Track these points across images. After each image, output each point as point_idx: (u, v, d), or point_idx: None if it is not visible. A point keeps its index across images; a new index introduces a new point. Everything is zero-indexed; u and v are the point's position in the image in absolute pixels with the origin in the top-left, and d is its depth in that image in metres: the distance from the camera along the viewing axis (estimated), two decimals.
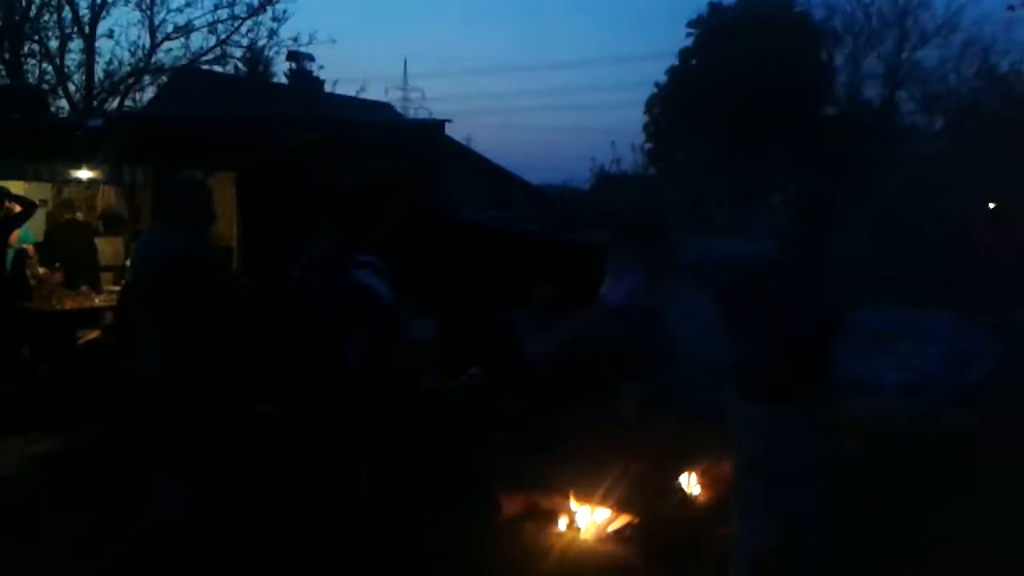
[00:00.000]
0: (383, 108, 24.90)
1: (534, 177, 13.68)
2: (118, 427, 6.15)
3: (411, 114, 26.56)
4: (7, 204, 7.70)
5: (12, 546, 4.75)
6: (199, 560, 4.32)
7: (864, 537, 5.21)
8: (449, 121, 9.16)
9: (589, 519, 5.04)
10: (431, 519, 5.12)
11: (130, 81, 14.87)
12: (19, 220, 7.85)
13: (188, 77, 18.20)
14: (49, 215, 9.06)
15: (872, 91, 22.17)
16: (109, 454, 5.96)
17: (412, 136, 8.79)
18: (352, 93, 24.06)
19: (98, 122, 7.95)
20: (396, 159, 8.13)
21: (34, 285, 8.16)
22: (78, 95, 14.21)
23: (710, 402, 5.45)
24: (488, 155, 13.04)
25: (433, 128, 9.06)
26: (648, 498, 5.01)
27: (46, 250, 8.53)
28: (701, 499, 5.40)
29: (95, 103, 13.64)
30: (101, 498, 5.27)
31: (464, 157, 11.04)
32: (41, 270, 8.31)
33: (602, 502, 4.97)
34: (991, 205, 16.23)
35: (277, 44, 17.29)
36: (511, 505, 5.30)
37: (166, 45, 15.66)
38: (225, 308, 4.41)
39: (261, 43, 16.89)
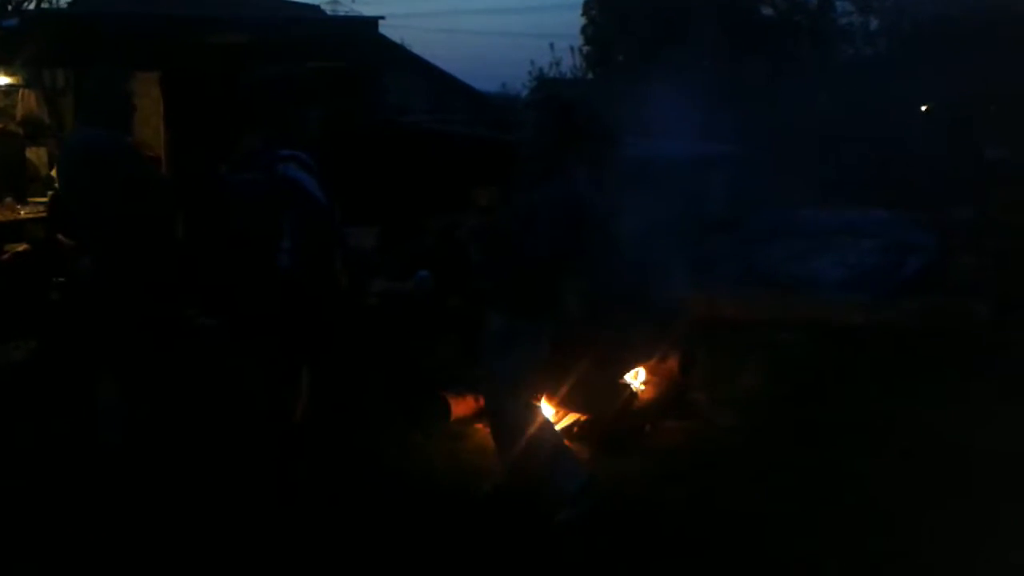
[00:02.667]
0: (311, 10, 24.07)
1: (472, 82, 13.35)
2: (52, 341, 5.98)
3: None
4: None
5: None
6: (140, 476, 4.23)
7: (800, 428, 5.34)
8: (382, 18, 8.84)
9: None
10: (380, 422, 5.11)
11: None
12: None
13: None
14: None
15: None
16: (44, 369, 5.81)
17: (343, 34, 8.48)
18: None
19: (12, 22, 7.50)
20: (327, 58, 7.86)
21: None
22: None
23: (653, 300, 5.52)
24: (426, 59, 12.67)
25: (365, 26, 8.76)
26: (595, 395, 5.03)
27: None
28: (647, 395, 5.45)
29: (9, 5, 12.94)
30: (37, 414, 5.16)
31: (402, 59, 10.71)
32: None
33: (550, 401, 4.98)
34: (923, 108, 16.39)
35: None
36: (461, 407, 5.29)
37: None
38: (148, 207, 4.25)
39: None
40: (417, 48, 13.60)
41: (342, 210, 4.30)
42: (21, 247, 7.32)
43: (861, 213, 9.59)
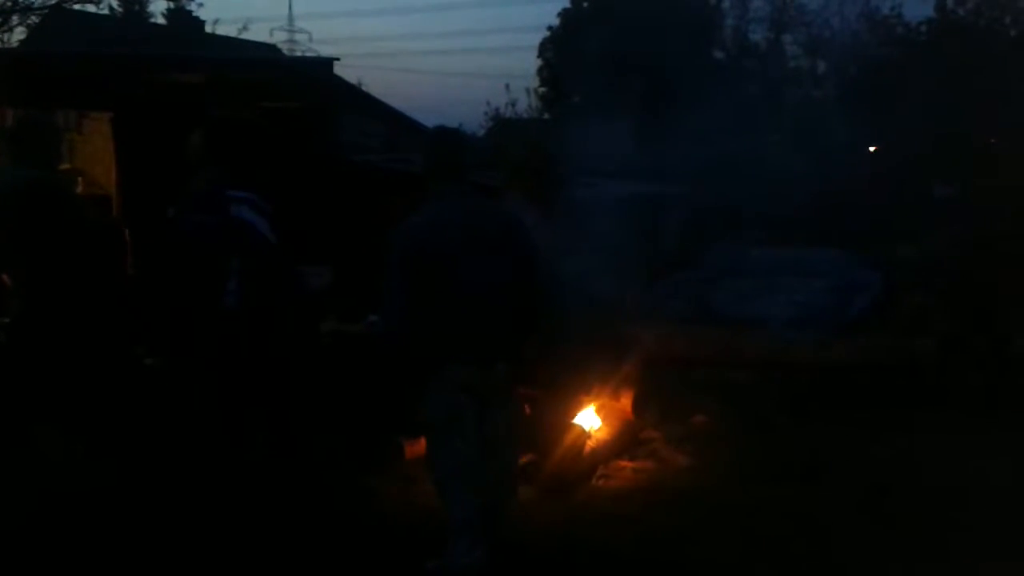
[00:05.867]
0: (268, 50, 24.16)
1: (429, 122, 13.44)
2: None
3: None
4: None
5: None
6: (78, 520, 4.14)
7: (751, 467, 5.38)
8: (337, 60, 8.84)
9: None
10: (331, 464, 5.05)
11: None
12: None
13: (60, 18, 17.25)
14: None
15: (758, 34, 22.56)
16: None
17: (298, 75, 8.46)
18: (234, 34, 23.29)
19: None
20: (281, 98, 7.84)
21: None
22: None
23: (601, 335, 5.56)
24: (381, 99, 12.72)
25: (320, 67, 8.76)
26: (544, 435, 5.03)
27: None
28: (598, 434, 5.46)
29: None
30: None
31: (356, 100, 10.73)
32: None
33: None
34: (871, 148, 16.73)
35: None
36: (414, 448, 5.26)
37: None
38: (84, 246, 4.23)
39: None
40: (376, 88, 13.70)
41: (296, 249, 4.27)
42: None
43: (810, 252, 9.76)
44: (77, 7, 16.09)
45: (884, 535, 4.39)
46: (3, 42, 13.78)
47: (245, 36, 23.33)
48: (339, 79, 9.44)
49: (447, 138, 4.14)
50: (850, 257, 9.45)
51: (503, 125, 19.99)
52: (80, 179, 9.42)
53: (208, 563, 3.88)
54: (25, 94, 6.91)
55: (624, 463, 5.45)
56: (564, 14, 25.20)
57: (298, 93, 8.08)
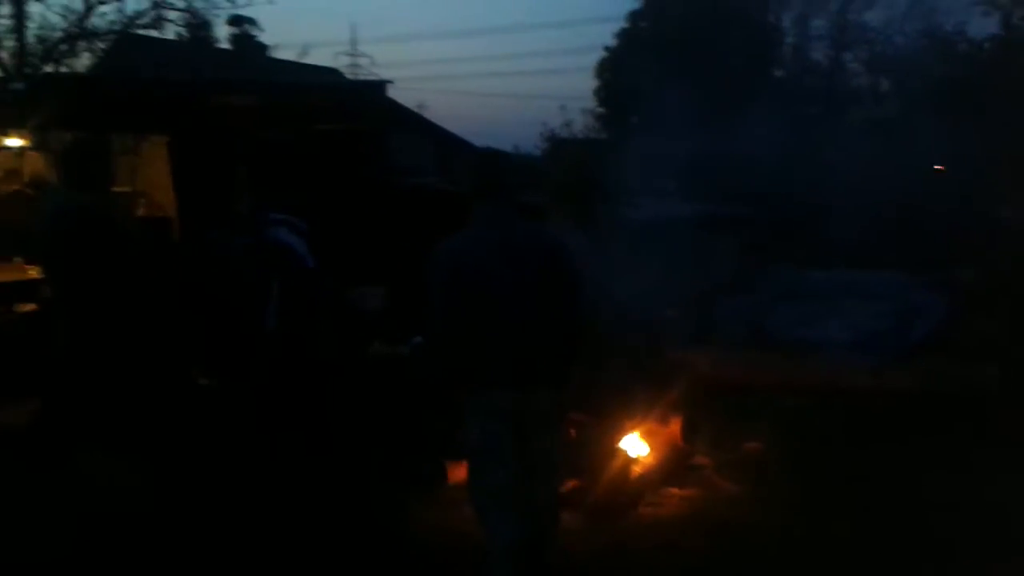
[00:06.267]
0: (329, 74, 24.50)
1: (484, 143, 13.52)
2: (52, 404, 5.95)
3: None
4: None
5: None
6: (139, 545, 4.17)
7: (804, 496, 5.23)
8: (390, 82, 8.92)
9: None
10: (374, 485, 5.03)
11: (63, 48, 14.39)
12: None
13: (128, 43, 17.67)
14: None
15: (819, 53, 22.28)
16: (43, 432, 5.77)
17: (351, 98, 8.55)
18: (298, 58, 23.67)
19: (20, 86, 7.64)
20: (335, 120, 7.92)
21: None
22: (13, 62, 13.73)
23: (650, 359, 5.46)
24: (440, 122, 12.80)
25: (373, 89, 8.84)
26: (589, 461, 4.95)
27: None
28: (645, 460, 5.36)
29: (27, 70, 13.16)
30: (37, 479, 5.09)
31: (409, 121, 10.80)
32: None
33: None
34: (936, 167, 16.35)
35: (215, 6, 16.78)
36: (458, 472, 5.21)
37: (100, 9, 15.17)
38: (131, 269, 4.28)
39: (197, 5, 16.35)
40: (436, 110, 13.82)
41: (351, 271, 4.28)
42: (29, 307, 7.35)
43: (871, 275, 9.52)
44: (142, 32, 16.44)
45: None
46: (70, 67, 14.14)
47: (309, 60, 23.65)
48: (391, 101, 9.51)
49: (489, 160, 4.11)
50: (912, 280, 9.17)
51: (558, 145, 19.95)
52: (142, 201, 9.65)
53: None
54: (83, 118, 7.09)
55: (672, 490, 5.34)
56: (622, 34, 25.21)
57: (351, 116, 8.16)
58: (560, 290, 3.78)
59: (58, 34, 14.34)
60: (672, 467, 5.49)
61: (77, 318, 4.34)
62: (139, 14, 15.29)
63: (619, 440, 5.28)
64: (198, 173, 7.20)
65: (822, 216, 12.78)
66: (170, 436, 4.55)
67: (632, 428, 5.38)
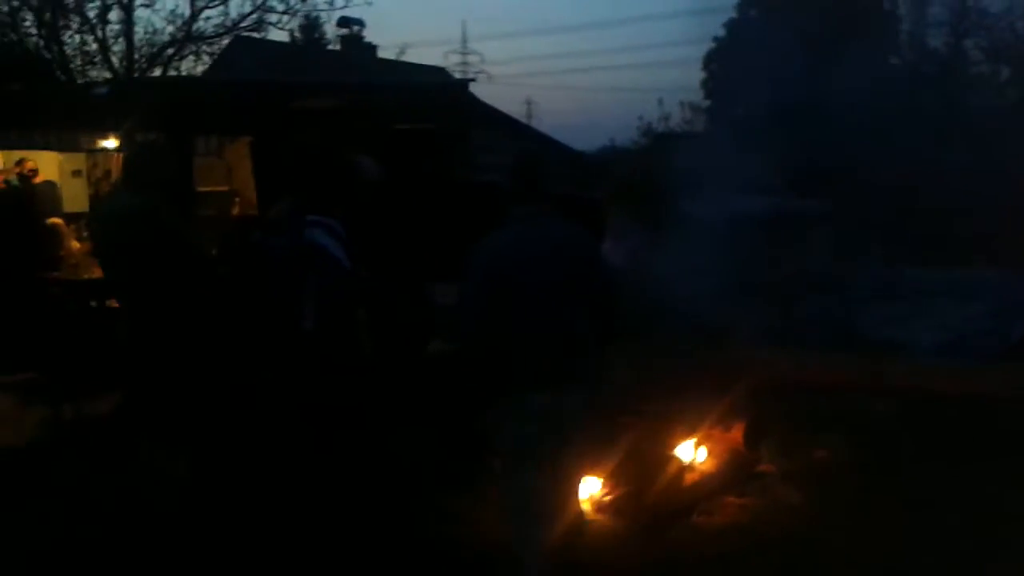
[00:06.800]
0: (436, 73, 24.80)
1: (589, 139, 13.45)
2: (128, 397, 6.19)
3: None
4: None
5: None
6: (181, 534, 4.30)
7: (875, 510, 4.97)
8: (473, 80, 8.98)
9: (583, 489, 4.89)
10: (422, 486, 5.04)
11: (170, 51, 14.99)
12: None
13: (239, 47, 18.24)
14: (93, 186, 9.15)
15: (936, 40, 21.30)
16: (121, 424, 6.01)
17: (432, 98, 8.62)
18: (408, 58, 24.01)
19: (104, 90, 7.98)
20: (416, 120, 7.99)
21: (64, 256, 8.25)
22: (121, 66, 14.37)
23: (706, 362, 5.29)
24: (546, 117, 12.81)
25: (455, 89, 8.90)
26: (640, 466, 4.84)
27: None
28: (703, 467, 5.22)
29: (136, 73, 13.78)
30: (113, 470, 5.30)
31: (494, 120, 10.82)
32: (76, 244, 8.38)
33: (596, 472, 4.81)
34: None
35: (315, 8, 17.21)
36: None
37: (205, 13, 15.74)
38: (187, 271, 4.38)
39: (296, 8, 16.80)
40: (544, 106, 13.83)
41: (432, 266, 4.31)
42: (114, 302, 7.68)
43: (970, 272, 9.05)
44: (247, 35, 16.97)
45: None
46: (177, 70, 14.74)
47: (419, 60, 24.01)
48: (474, 100, 9.56)
49: (526, 161, 4.07)
50: (1013, 278, 8.67)
51: (656, 139, 19.67)
52: (237, 200, 9.96)
53: None
54: (169, 121, 7.34)
55: (731, 499, 5.16)
56: (730, 24, 24.69)
57: (432, 115, 8.23)
58: (592, 291, 3.73)
59: (165, 38, 14.93)
60: (732, 474, 5.31)
61: (132, 317, 4.49)
62: (242, 17, 15.77)
63: (674, 445, 5.15)
64: (276, 173, 7.38)
65: (932, 211, 12.22)
66: (222, 431, 4.66)
67: (688, 432, 5.24)
